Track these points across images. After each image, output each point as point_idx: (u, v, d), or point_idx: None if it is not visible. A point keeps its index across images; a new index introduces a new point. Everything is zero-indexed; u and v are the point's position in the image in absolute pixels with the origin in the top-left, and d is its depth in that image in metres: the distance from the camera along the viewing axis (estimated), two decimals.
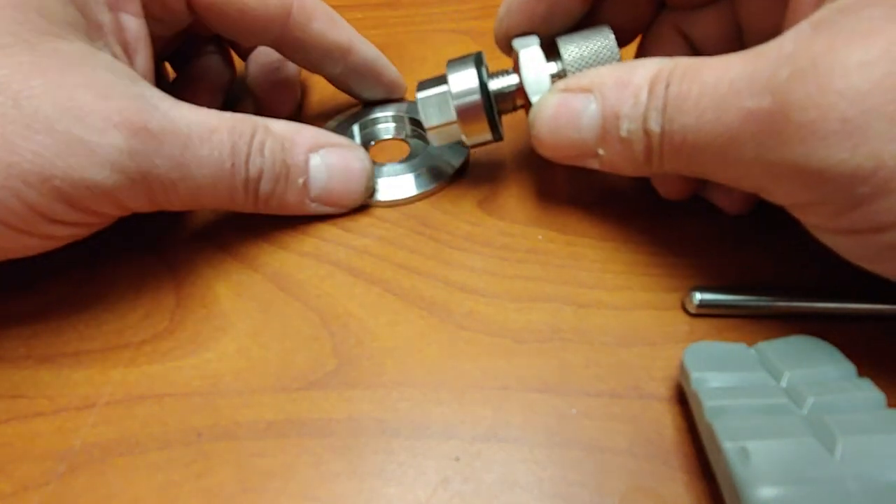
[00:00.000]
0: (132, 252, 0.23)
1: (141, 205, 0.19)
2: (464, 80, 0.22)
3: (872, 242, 0.15)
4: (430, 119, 0.23)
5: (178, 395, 0.19)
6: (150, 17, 0.22)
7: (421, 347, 0.20)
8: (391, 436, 0.18)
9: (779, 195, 0.16)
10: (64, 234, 0.19)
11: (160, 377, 0.19)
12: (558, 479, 0.17)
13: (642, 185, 0.24)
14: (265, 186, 0.21)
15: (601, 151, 0.20)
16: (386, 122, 0.29)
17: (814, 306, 0.19)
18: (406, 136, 0.29)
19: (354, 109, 0.29)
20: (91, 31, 0.19)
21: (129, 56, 0.21)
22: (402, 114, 0.29)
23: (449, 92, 0.22)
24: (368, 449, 0.17)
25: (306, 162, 0.22)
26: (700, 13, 0.22)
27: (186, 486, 0.17)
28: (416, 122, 0.29)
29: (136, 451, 0.17)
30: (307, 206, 0.23)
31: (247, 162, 0.20)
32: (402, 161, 0.26)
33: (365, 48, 0.27)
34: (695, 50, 0.23)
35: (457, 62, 0.23)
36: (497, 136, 0.23)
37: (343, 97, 0.31)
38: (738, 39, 0.22)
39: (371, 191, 0.24)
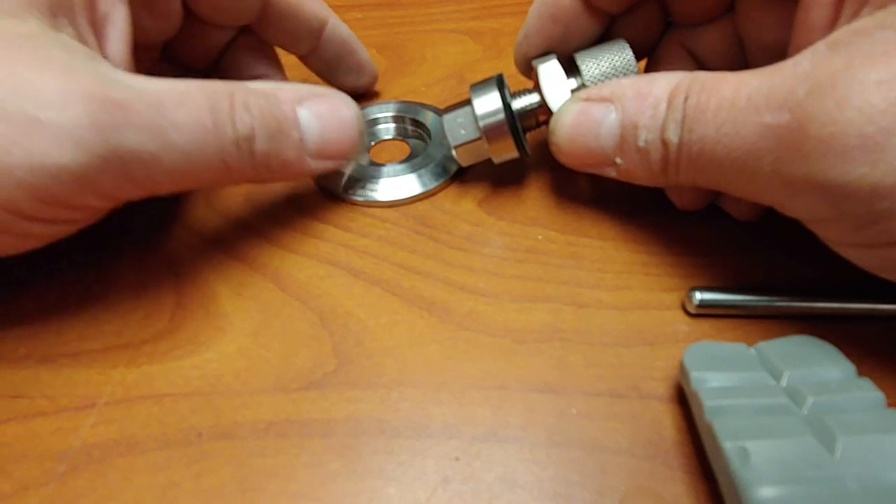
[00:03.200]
0: (132, 252, 0.23)
1: (122, 188, 0.17)
2: (488, 102, 0.23)
3: (892, 255, 0.15)
4: (456, 138, 0.23)
5: (178, 395, 0.19)
6: (138, 4, 0.21)
7: (421, 347, 0.20)
8: (391, 436, 0.18)
9: (796, 210, 0.16)
10: (45, 232, 0.18)
11: (160, 377, 0.19)
12: (558, 479, 0.17)
13: (643, 186, 0.24)
14: (261, 145, 0.19)
15: (618, 160, 0.20)
16: (386, 123, 0.29)
17: (814, 306, 0.19)
18: (406, 136, 0.29)
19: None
20: (55, 6, 0.18)
21: (98, 37, 0.19)
22: (402, 114, 0.29)
23: (474, 113, 0.23)
24: (368, 449, 0.17)
25: (295, 115, 0.21)
26: (704, 30, 0.23)
27: (186, 486, 0.17)
28: (416, 123, 0.29)
29: (136, 451, 0.17)
30: (308, 163, 0.21)
31: (232, 119, 0.19)
32: (402, 161, 0.26)
33: (339, 24, 0.27)
34: (700, 65, 0.23)
35: (479, 85, 0.23)
36: (523, 152, 0.24)
37: None
38: (740, 54, 0.22)
39: (366, 140, 0.23)
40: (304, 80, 0.28)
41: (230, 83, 0.20)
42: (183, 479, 0.17)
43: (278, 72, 0.28)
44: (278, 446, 0.17)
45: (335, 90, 0.22)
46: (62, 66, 0.16)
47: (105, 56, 0.19)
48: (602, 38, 0.23)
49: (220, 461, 0.17)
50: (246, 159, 0.19)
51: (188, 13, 0.24)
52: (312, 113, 0.21)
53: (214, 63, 0.27)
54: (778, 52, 0.20)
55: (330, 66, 0.29)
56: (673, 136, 0.18)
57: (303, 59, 0.28)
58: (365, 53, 0.29)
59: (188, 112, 0.18)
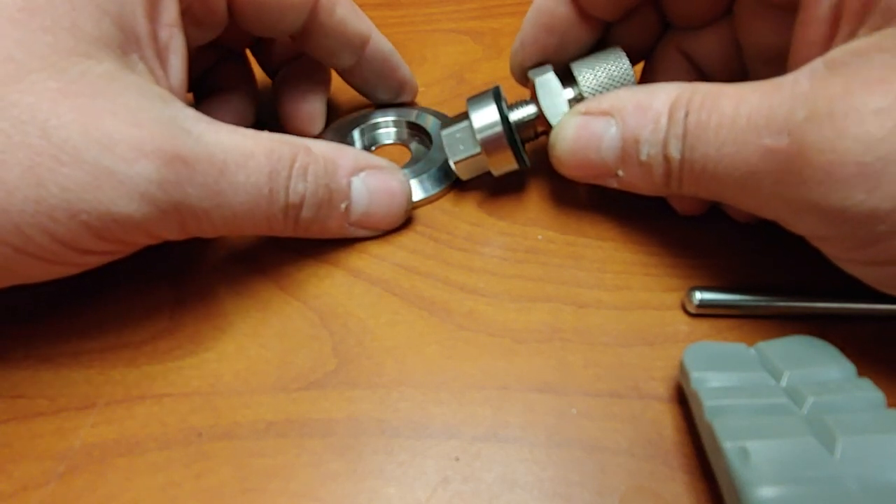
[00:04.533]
0: None
1: (172, 234, 0.18)
2: (485, 115, 0.23)
3: (892, 272, 0.16)
4: (455, 154, 0.23)
5: (178, 395, 0.19)
6: (189, 19, 0.21)
7: (421, 347, 0.20)
8: (391, 436, 0.18)
9: (798, 228, 0.17)
10: (93, 262, 0.18)
11: (160, 377, 0.19)
12: (558, 479, 0.17)
13: None
14: (307, 213, 0.20)
15: (620, 172, 0.20)
16: (387, 127, 0.29)
17: (814, 306, 0.19)
18: (407, 140, 0.29)
19: (355, 114, 0.29)
20: (126, 43, 0.18)
21: (163, 66, 0.20)
22: (402, 118, 0.29)
23: (471, 127, 0.23)
24: (368, 449, 0.17)
25: (348, 186, 0.21)
26: (701, 34, 0.23)
27: (186, 486, 0.17)
28: (416, 127, 0.28)
29: (136, 451, 0.17)
30: (346, 229, 0.22)
31: (287, 188, 0.19)
32: (404, 166, 0.26)
33: (382, 40, 0.27)
34: (697, 69, 0.23)
35: (476, 98, 0.23)
36: (523, 163, 0.24)
37: (344, 102, 0.31)
38: (737, 58, 0.22)
39: (409, 213, 0.24)
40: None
41: (296, 143, 0.20)
42: (183, 479, 0.17)
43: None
44: (278, 446, 0.17)
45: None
46: (136, 116, 0.16)
47: (170, 85, 0.20)
48: (598, 45, 0.23)
49: (220, 461, 0.17)
50: (289, 223, 0.20)
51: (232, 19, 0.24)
52: (365, 185, 0.22)
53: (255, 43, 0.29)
54: (775, 56, 0.20)
55: (369, 83, 0.28)
56: (675, 152, 0.18)
57: (342, 73, 0.28)
58: (406, 71, 0.29)
59: (248, 176, 0.18)
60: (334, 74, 0.29)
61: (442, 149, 0.26)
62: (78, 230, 0.16)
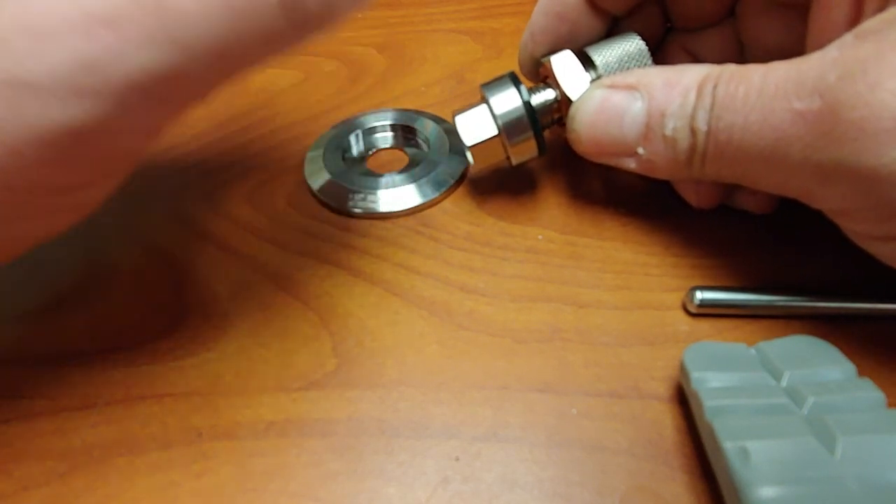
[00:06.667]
0: (132, 251, 0.23)
1: (154, 121, 0.14)
2: (505, 99, 0.22)
3: None
4: (471, 138, 0.22)
5: (178, 395, 0.19)
6: None
7: (421, 347, 0.20)
8: (391, 436, 0.18)
9: (825, 199, 0.16)
10: (68, 203, 0.15)
11: (160, 377, 0.19)
12: (558, 479, 0.17)
13: (643, 186, 0.24)
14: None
15: (641, 150, 0.20)
16: (384, 132, 0.29)
17: (814, 306, 0.19)
18: (404, 145, 0.29)
19: (351, 118, 0.29)
20: None
21: None
22: (399, 122, 0.28)
23: (491, 110, 0.22)
24: (368, 449, 0.17)
25: None
26: (705, 33, 0.23)
27: (186, 486, 0.17)
28: (413, 132, 0.28)
29: (136, 451, 0.17)
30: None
31: None
32: (402, 171, 0.26)
33: None
34: None
35: (492, 83, 0.23)
36: (543, 150, 0.23)
37: (340, 105, 0.31)
38: (742, 58, 0.22)
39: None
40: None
41: None
42: (183, 479, 0.17)
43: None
44: (278, 446, 0.17)
45: None
46: None
47: None
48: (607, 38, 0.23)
49: (220, 461, 0.17)
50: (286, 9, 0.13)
51: None
52: None
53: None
54: (780, 56, 0.20)
55: None
56: (702, 123, 0.18)
57: None
58: None
59: None
60: (331, 79, 0.28)
61: (440, 153, 0.26)
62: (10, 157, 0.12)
